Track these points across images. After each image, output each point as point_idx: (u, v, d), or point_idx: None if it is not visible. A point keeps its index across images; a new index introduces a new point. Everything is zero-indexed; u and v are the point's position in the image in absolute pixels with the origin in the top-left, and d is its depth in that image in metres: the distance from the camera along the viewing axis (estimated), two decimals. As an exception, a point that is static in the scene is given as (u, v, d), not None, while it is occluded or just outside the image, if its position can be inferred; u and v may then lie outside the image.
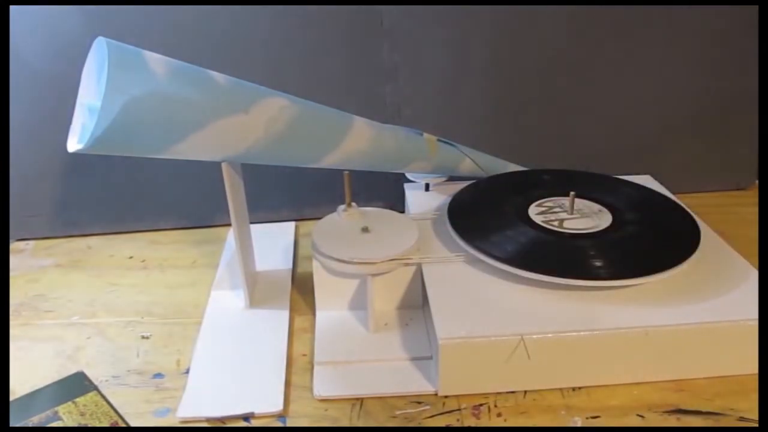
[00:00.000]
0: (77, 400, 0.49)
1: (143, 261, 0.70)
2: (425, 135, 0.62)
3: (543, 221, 0.57)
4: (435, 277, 0.53)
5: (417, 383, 0.49)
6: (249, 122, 0.48)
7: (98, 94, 0.41)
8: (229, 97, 0.47)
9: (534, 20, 0.69)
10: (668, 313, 0.48)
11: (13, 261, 0.71)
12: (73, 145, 0.43)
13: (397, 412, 0.47)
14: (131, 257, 0.71)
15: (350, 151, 0.55)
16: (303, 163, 0.54)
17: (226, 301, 0.61)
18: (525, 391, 0.49)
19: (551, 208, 0.60)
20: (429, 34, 0.69)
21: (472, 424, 0.46)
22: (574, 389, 0.49)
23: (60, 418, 0.47)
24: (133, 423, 0.47)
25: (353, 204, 0.59)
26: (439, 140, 0.63)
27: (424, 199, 0.67)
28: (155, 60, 0.44)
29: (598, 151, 0.75)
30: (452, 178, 0.68)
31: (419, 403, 0.48)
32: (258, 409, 0.47)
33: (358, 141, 0.55)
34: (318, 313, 0.57)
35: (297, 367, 0.53)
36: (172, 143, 0.45)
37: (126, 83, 0.41)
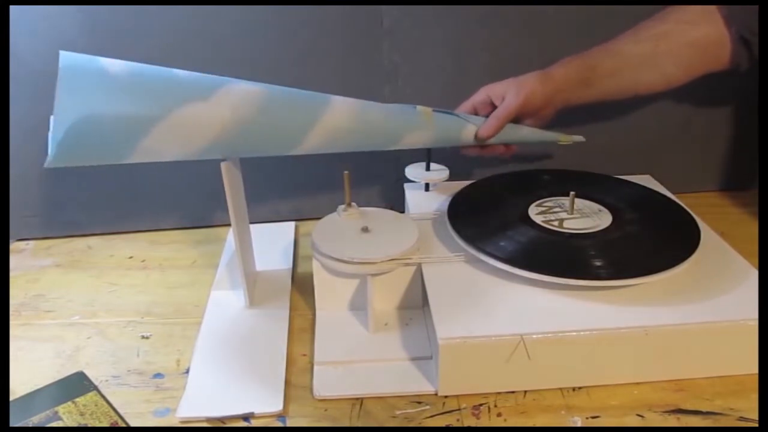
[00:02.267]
0: (77, 400, 0.49)
1: (143, 261, 0.70)
2: (419, 107, 0.59)
3: (543, 221, 0.57)
4: (435, 277, 0.53)
5: (417, 383, 0.49)
6: (211, 109, 0.47)
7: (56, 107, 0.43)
8: (187, 86, 0.47)
9: (533, 20, 0.69)
10: (668, 313, 0.48)
11: (13, 261, 0.71)
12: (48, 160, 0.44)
13: (397, 412, 0.47)
14: (131, 257, 0.71)
15: (332, 129, 0.53)
16: (284, 147, 0.53)
17: (226, 301, 0.61)
18: (525, 391, 0.49)
19: (551, 208, 0.60)
20: (429, 34, 0.69)
21: (472, 424, 0.46)
22: (574, 389, 0.49)
23: (60, 418, 0.47)
24: (133, 423, 0.47)
25: (353, 204, 0.59)
26: (435, 110, 0.60)
27: (424, 199, 0.67)
28: (109, 62, 0.45)
29: (598, 151, 0.75)
30: (452, 178, 0.68)
31: (419, 403, 0.48)
32: (258, 409, 0.47)
33: (338, 117, 0.53)
34: (318, 313, 0.57)
35: (297, 367, 0.53)
36: (137, 140, 0.46)
37: (79, 93, 0.43)
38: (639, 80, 0.62)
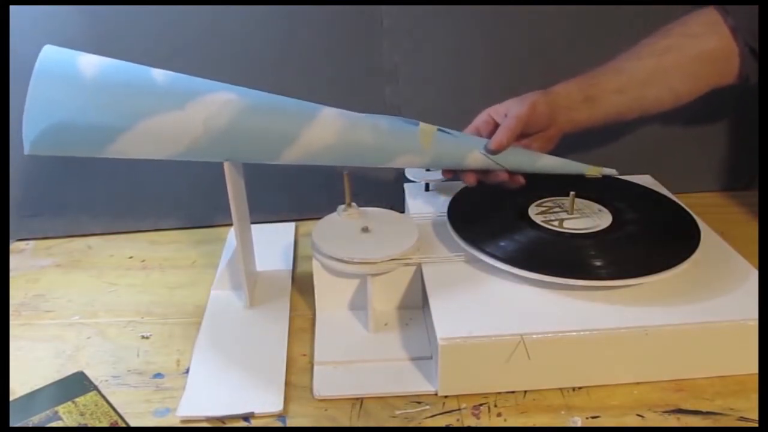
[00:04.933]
0: (77, 400, 0.49)
1: (143, 261, 0.70)
2: (421, 125, 0.56)
3: (543, 221, 0.57)
4: (435, 277, 0.53)
5: (417, 383, 0.49)
6: (185, 120, 0.47)
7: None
8: (161, 95, 0.47)
9: (534, 20, 0.69)
10: (668, 313, 0.48)
11: (13, 261, 0.71)
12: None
13: (397, 412, 0.47)
14: (131, 257, 0.71)
15: (312, 147, 0.51)
16: (262, 159, 0.52)
17: (226, 301, 0.61)
18: (525, 391, 0.49)
19: (551, 208, 0.60)
20: (429, 34, 0.69)
21: (472, 424, 0.46)
22: (574, 389, 0.49)
23: (60, 418, 0.47)
24: (133, 423, 0.47)
25: (353, 204, 0.59)
26: (440, 130, 0.56)
27: (424, 199, 0.67)
28: (86, 63, 0.45)
29: (598, 151, 0.75)
30: (454, 178, 0.68)
31: (419, 403, 0.48)
32: (258, 409, 0.47)
33: (321, 135, 0.51)
34: (318, 313, 0.57)
35: (297, 367, 0.53)
36: (105, 144, 0.46)
37: (49, 90, 0.44)
38: (646, 96, 0.60)
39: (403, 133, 0.55)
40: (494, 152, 0.57)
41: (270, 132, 0.50)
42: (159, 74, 0.48)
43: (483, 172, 0.59)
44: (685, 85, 0.60)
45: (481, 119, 0.60)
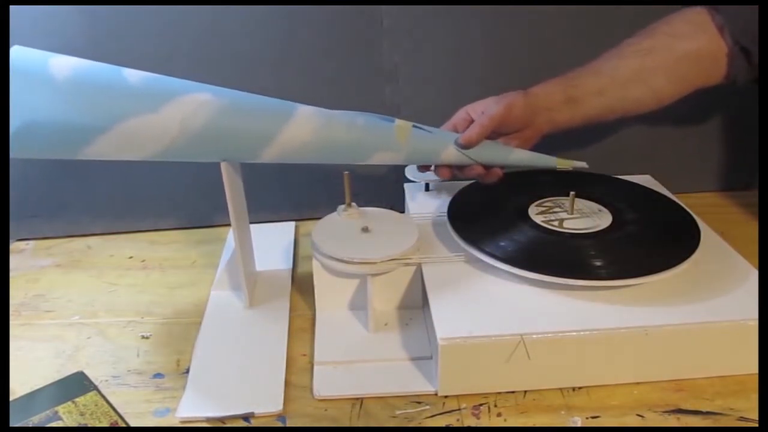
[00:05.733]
0: (77, 400, 0.49)
1: (143, 261, 0.70)
2: (397, 122, 0.55)
3: (543, 221, 0.57)
4: (435, 277, 0.53)
5: (417, 383, 0.49)
6: (160, 122, 0.47)
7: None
8: (136, 97, 0.47)
9: (534, 20, 0.69)
10: (668, 313, 0.48)
11: (13, 261, 0.71)
12: None
13: (397, 412, 0.47)
14: (131, 257, 0.71)
15: (291, 144, 0.51)
16: (239, 158, 0.52)
17: (226, 301, 0.61)
18: (525, 391, 0.49)
19: (551, 208, 0.60)
20: (429, 34, 0.69)
21: (472, 424, 0.46)
22: (574, 389, 0.49)
23: (60, 418, 0.47)
24: (133, 423, 0.47)
25: (353, 204, 0.59)
26: (415, 126, 0.56)
27: (424, 199, 0.67)
28: (59, 65, 0.45)
29: (598, 151, 0.75)
30: (452, 178, 0.68)
31: (419, 403, 0.48)
32: (258, 409, 0.47)
33: (299, 133, 0.51)
34: (318, 313, 0.57)
35: (297, 367, 0.53)
36: (79, 146, 0.46)
37: (19, 92, 0.43)
38: (627, 96, 0.59)
39: (380, 130, 0.55)
40: (464, 147, 0.57)
41: (247, 131, 0.50)
42: (133, 75, 0.47)
43: (458, 167, 0.59)
44: (669, 86, 0.60)
45: (459, 116, 0.60)
